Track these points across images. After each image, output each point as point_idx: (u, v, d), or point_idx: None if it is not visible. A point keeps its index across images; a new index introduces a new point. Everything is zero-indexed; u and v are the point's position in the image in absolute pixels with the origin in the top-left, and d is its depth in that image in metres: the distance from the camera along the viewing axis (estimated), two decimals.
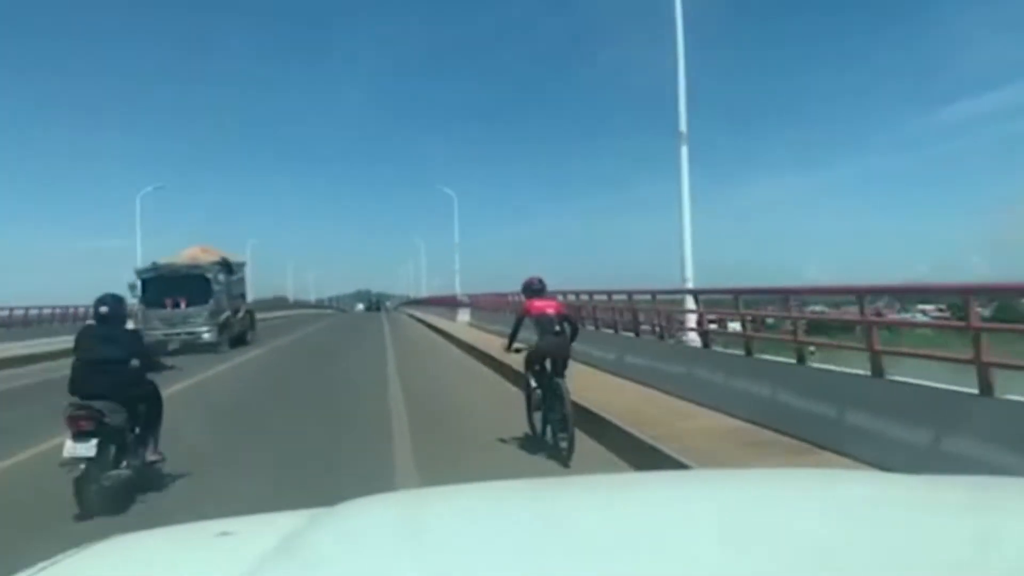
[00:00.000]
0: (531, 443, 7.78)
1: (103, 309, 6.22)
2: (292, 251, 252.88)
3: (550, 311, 7.70)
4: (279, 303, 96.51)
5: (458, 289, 48.48)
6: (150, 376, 6.46)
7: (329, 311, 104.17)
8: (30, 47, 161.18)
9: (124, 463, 5.94)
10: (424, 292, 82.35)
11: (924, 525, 1.16)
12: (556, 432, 7.35)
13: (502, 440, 8.06)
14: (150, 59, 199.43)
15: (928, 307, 14.85)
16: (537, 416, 7.76)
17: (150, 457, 6.28)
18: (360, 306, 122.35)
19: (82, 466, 5.54)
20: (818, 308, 12.88)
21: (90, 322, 6.78)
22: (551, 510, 1.39)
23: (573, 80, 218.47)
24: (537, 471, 6.70)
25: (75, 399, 5.87)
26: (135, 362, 6.20)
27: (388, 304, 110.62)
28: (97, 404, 5.77)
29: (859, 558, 0.99)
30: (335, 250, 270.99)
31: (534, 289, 7.98)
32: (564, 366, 7.57)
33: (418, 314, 52.77)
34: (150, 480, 6.27)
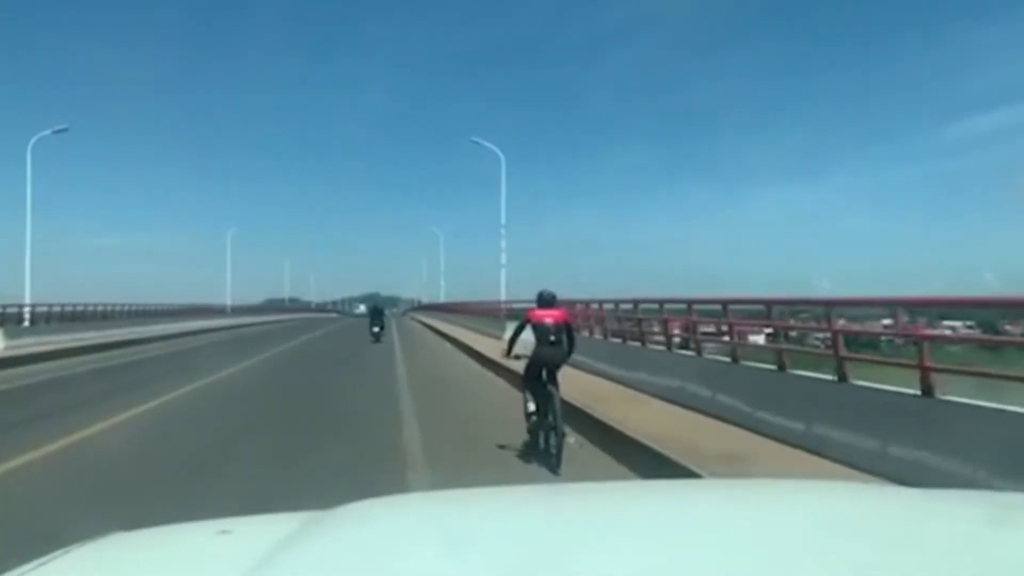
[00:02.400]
0: (526, 450, 8.12)
1: (373, 305, 37.25)
2: (299, 253, 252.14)
3: (548, 320, 8.05)
4: (276, 306, 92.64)
5: (503, 291, 33.76)
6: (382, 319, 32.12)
7: (334, 315, 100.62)
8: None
9: (381, 333, 30.13)
10: (442, 296, 68.92)
11: (926, 538, 1.19)
12: (548, 439, 7.74)
13: (501, 447, 8.37)
14: (165, 51, 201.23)
15: (955, 323, 14.16)
16: (533, 418, 8.15)
17: (381, 332, 30.32)
18: (361, 307, 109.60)
19: (376, 332, 29.72)
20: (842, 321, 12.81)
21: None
22: (550, 516, 1.40)
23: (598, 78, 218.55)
24: (527, 478, 7.06)
25: (374, 320, 31.46)
26: (387, 317, 37.05)
27: (394, 311, 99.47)
28: (378, 320, 31.15)
29: (860, 570, 1.01)
30: (344, 253, 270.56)
31: (544, 299, 8.36)
32: (555, 374, 8.01)
33: (439, 326, 40.53)
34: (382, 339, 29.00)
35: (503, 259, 35.46)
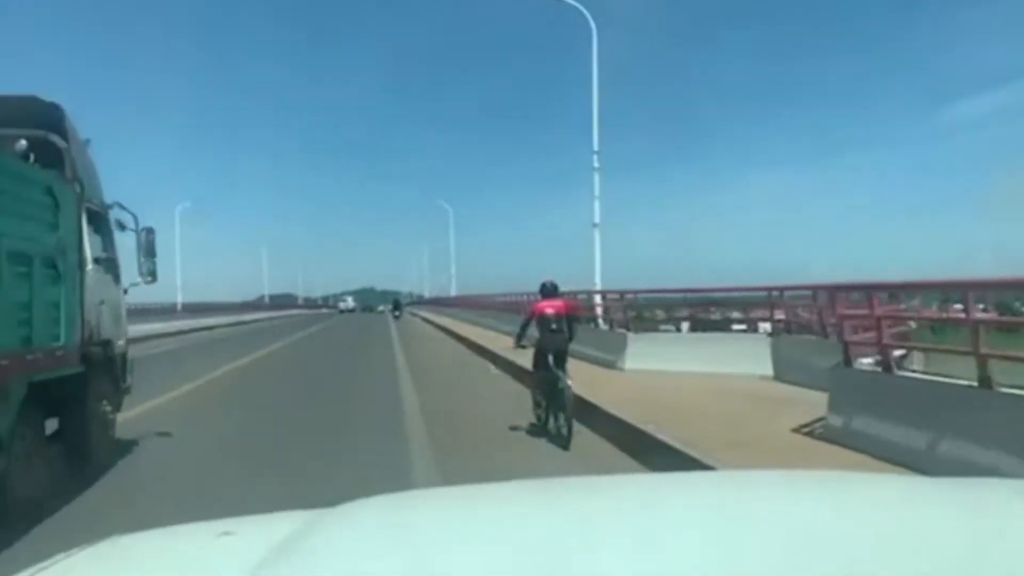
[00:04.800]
0: (535, 429, 8.77)
1: (395, 300, 60.88)
2: (291, 249, 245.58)
3: (550, 311, 8.72)
4: (257, 303, 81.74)
5: (598, 270, 20.04)
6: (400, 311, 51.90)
7: (324, 310, 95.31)
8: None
9: (398, 314, 50.45)
10: (453, 288, 58.20)
11: (941, 528, 1.18)
12: (557, 419, 8.38)
13: (512, 428, 8.96)
14: (160, 53, 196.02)
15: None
16: (540, 410, 8.84)
17: (400, 316, 50.02)
18: (349, 300, 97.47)
19: (397, 315, 49.79)
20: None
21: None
22: (556, 512, 1.39)
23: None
24: (539, 453, 7.80)
25: (395, 308, 53.99)
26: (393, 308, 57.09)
27: (382, 308, 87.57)
28: (398, 308, 53.19)
29: (870, 560, 1.00)
30: (339, 248, 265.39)
31: (546, 290, 9.06)
32: (563, 360, 8.55)
33: (452, 327, 29.95)
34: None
35: (596, 213, 20.40)
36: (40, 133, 6.56)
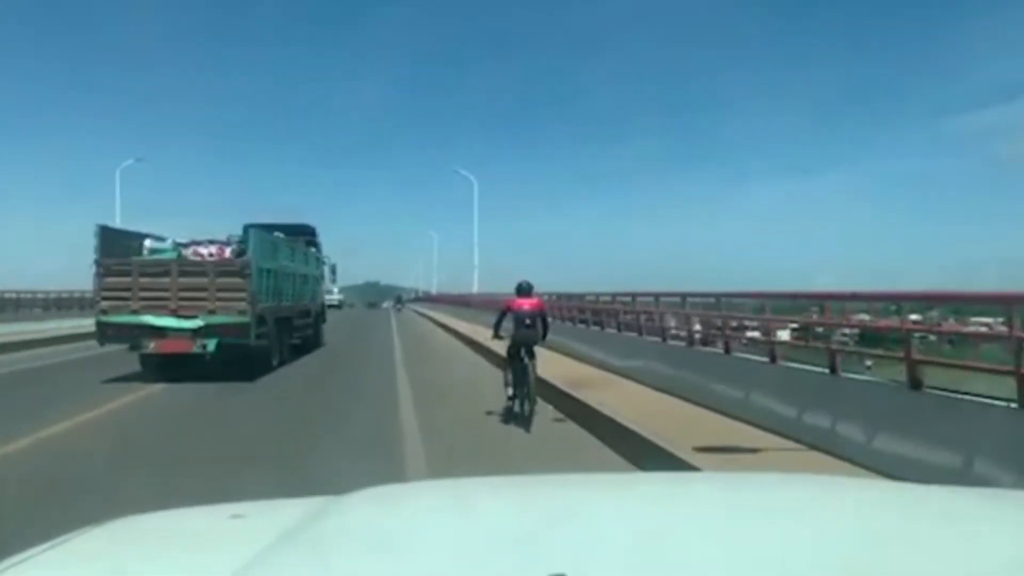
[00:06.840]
0: (506, 412, 9.79)
1: (397, 296, 71.61)
2: None
3: (525, 307, 9.65)
4: None
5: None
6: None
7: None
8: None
9: (400, 308, 61.37)
10: (475, 282, 46.72)
11: (914, 533, 1.24)
12: (522, 403, 9.51)
13: (488, 413, 9.97)
14: (165, 42, 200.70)
15: (988, 319, 11.79)
16: (510, 391, 9.79)
17: (402, 309, 61.14)
18: (335, 291, 67.08)
19: (399, 308, 61.66)
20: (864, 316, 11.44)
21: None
22: (557, 506, 1.46)
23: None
24: (502, 433, 8.82)
25: (398, 302, 66.80)
26: (395, 303, 67.52)
27: (386, 304, 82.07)
28: (399, 303, 65.64)
29: (854, 563, 1.05)
30: (346, 238, 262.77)
31: (522, 290, 9.92)
32: (532, 351, 9.59)
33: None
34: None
35: None
36: (310, 237, 21.69)
